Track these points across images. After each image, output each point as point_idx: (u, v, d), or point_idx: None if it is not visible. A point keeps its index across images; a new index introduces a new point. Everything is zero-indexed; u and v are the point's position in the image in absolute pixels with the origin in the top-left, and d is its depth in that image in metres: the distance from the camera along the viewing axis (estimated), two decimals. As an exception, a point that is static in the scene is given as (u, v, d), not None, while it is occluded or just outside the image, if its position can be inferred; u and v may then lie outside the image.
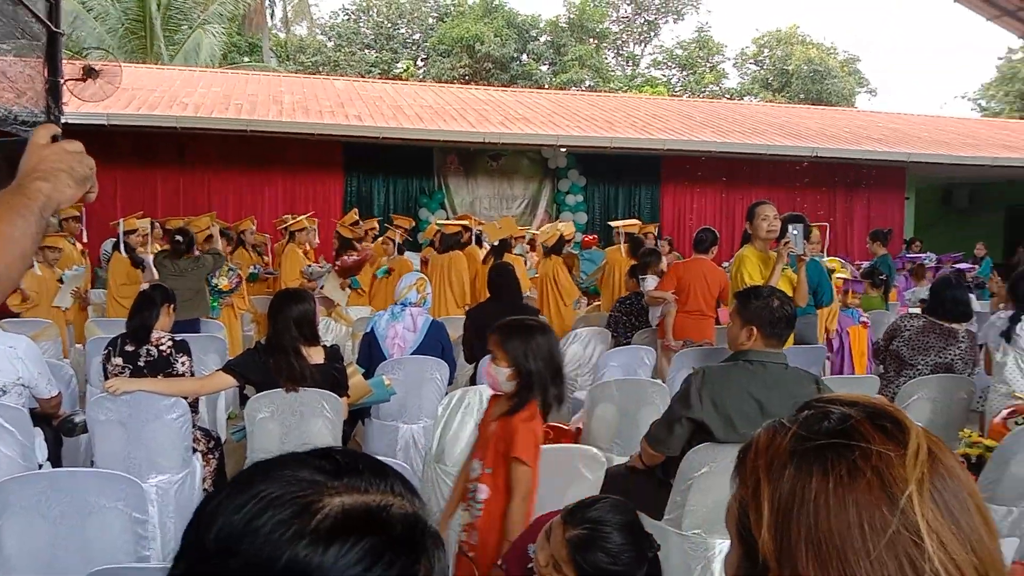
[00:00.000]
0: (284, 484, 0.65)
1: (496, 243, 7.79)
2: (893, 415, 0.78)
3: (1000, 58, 30.44)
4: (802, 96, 29.59)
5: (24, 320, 6.40)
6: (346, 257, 7.42)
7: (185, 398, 3.72)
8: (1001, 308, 5.10)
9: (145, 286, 4.81)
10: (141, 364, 3.90)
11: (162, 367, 3.92)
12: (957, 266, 11.12)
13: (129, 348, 3.94)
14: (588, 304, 9.37)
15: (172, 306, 4.11)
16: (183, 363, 3.96)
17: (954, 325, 4.51)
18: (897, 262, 11.72)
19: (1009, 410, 3.72)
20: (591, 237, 11.78)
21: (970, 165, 14.66)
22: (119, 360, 3.92)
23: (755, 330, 3.02)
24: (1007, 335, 3.75)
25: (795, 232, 4.62)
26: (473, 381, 5.02)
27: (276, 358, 3.59)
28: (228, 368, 3.65)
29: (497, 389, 2.65)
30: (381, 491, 0.67)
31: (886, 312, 7.35)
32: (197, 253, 6.55)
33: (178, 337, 4.08)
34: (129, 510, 2.53)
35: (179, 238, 6.42)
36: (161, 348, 3.94)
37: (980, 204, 17.62)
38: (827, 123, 16.85)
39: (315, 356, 3.69)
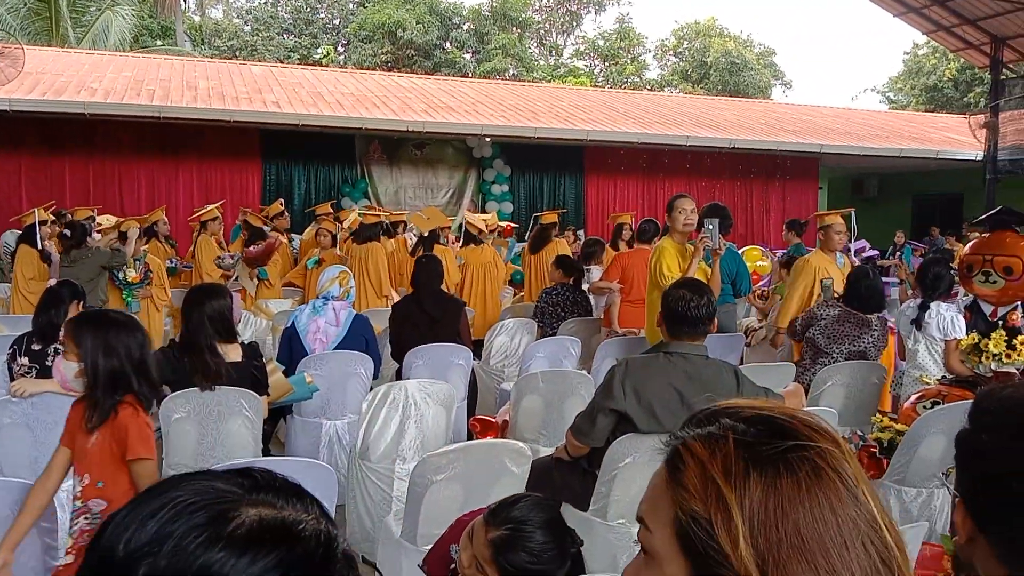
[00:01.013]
0: (199, 493, 0.64)
1: (425, 234, 7.71)
2: (805, 415, 0.80)
3: (906, 52, 31.68)
4: (720, 88, 30.23)
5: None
6: (252, 247, 7.24)
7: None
8: (910, 296, 5.30)
9: (52, 282, 4.58)
10: (49, 363, 3.72)
11: (69, 367, 3.73)
12: (866, 254, 11.52)
13: (36, 347, 3.75)
14: (514, 295, 9.40)
15: (80, 302, 3.93)
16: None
17: (868, 315, 4.66)
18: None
19: (918, 395, 3.87)
20: (510, 225, 11.83)
21: (879, 156, 15.25)
22: (25, 360, 3.73)
23: (666, 327, 3.07)
24: (917, 323, 3.91)
25: (711, 227, 4.72)
26: (399, 376, 4.97)
27: (191, 356, 3.46)
28: (140, 367, 3.50)
29: (66, 387, 2.53)
30: (297, 509, 0.66)
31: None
32: (90, 244, 6.32)
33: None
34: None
35: (67, 232, 6.21)
36: (68, 347, 3.76)
37: (889, 193, 18.35)
38: (744, 115, 17.27)
39: (232, 353, 3.57)
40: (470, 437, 4.39)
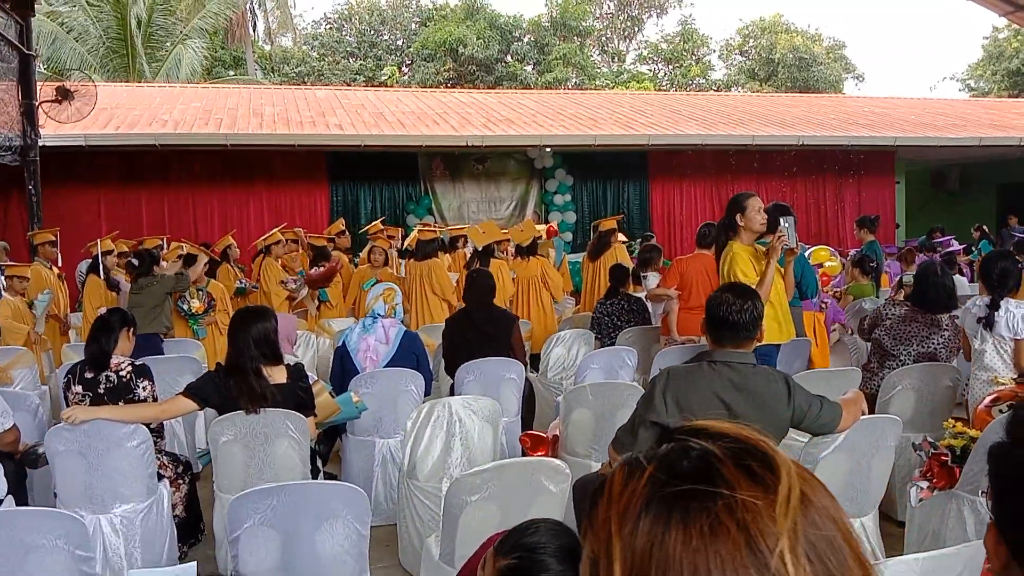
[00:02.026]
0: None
1: (480, 248, 7.70)
2: (762, 451, 0.67)
3: (985, 37, 30.35)
4: (789, 84, 29.50)
5: (-2, 349, 6.31)
6: (313, 270, 7.33)
7: (147, 424, 3.63)
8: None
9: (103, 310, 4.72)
10: (101, 391, 3.81)
11: (123, 393, 3.83)
12: (949, 249, 11.02)
13: (88, 375, 3.85)
14: (576, 304, 9.30)
15: (131, 330, 4.02)
16: (144, 388, 3.87)
17: (938, 314, 4.40)
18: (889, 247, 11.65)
19: (992, 397, 3.63)
20: (552, 227, 11.75)
21: (959, 146, 14.57)
22: (79, 388, 3.83)
23: (709, 333, 2.94)
24: (987, 322, 3.66)
25: (787, 225, 4.42)
26: (452, 392, 4.94)
27: (236, 379, 3.49)
28: (188, 391, 3.56)
29: None
30: None
31: (877, 300, 7.25)
32: (157, 272, 6.53)
33: (138, 361, 3.99)
34: (71, 547, 2.44)
35: (134, 261, 6.43)
36: (121, 374, 3.85)
37: (971, 185, 17.55)
38: (813, 111, 16.76)
39: (277, 375, 3.59)
40: (524, 453, 4.32)
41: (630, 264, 7.69)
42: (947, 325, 4.40)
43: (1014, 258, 3.67)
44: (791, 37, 31.18)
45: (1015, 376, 3.61)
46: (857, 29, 68.07)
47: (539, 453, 4.04)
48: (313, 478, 3.81)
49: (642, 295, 7.03)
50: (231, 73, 26.94)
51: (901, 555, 2.77)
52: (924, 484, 3.47)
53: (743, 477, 0.64)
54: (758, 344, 4.33)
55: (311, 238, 8.95)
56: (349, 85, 24.11)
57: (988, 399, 3.53)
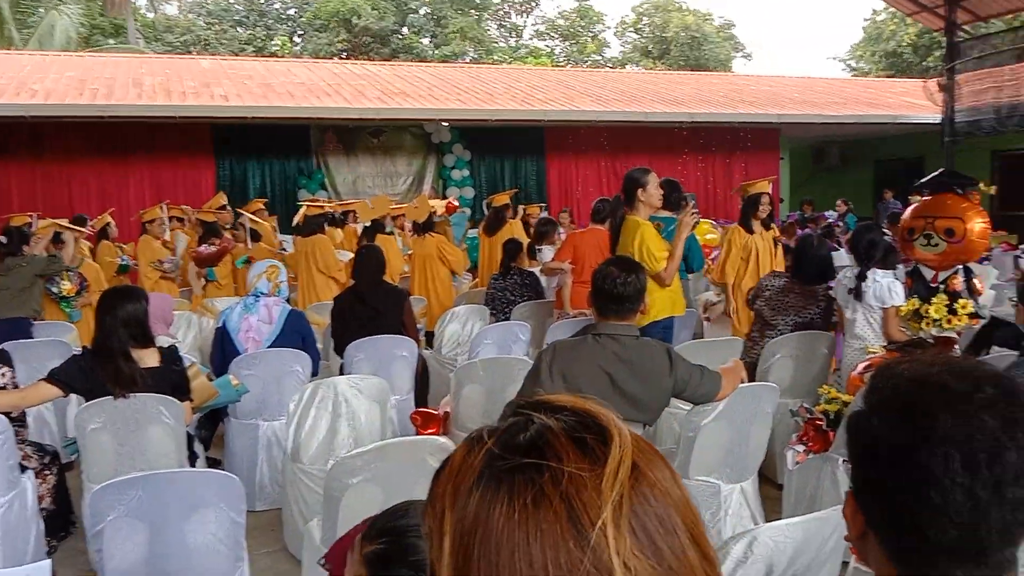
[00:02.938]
0: None
1: (369, 224, 7.53)
2: (600, 424, 0.65)
3: (866, 20, 31.79)
4: (682, 63, 30.13)
5: None
6: (202, 247, 7.03)
7: (6, 413, 3.38)
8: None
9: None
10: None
11: (-22, 381, 3.55)
12: (829, 222, 11.50)
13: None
14: (472, 280, 9.26)
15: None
16: (3, 375, 3.61)
17: (814, 285, 4.59)
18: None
19: (864, 364, 3.78)
20: (453, 202, 11.68)
21: (839, 124, 15.22)
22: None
23: (594, 306, 2.95)
24: (856, 293, 3.82)
25: (693, 201, 4.51)
26: (341, 372, 4.82)
27: (103, 363, 3.29)
28: (51, 377, 3.33)
29: None
30: None
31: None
32: (26, 252, 6.11)
33: (-4, 347, 3.71)
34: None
35: (3, 240, 5.99)
36: (-25, 360, 3.57)
37: (850, 161, 18.37)
38: (703, 89, 17.17)
39: (148, 359, 3.40)
40: (416, 432, 4.26)
41: (526, 240, 7.69)
42: (823, 295, 4.58)
43: (880, 230, 3.84)
44: (683, 16, 31.82)
45: (884, 344, 3.78)
46: (746, 9, 70.16)
47: (430, 431, 3.99)
48: (191, 465, 3.65)
49: (537, 270, 7.04)
50: (111, 42, 25.45)
51: (780, 518, 2.86)
52: (800, 448, 3.61)
53: (574, 450, 0.62)
54: (658, 318, 4.45)
55: (200, 214, 8.54)
56: (237, 55, 23.18)
57: (861, 366, 3.68)
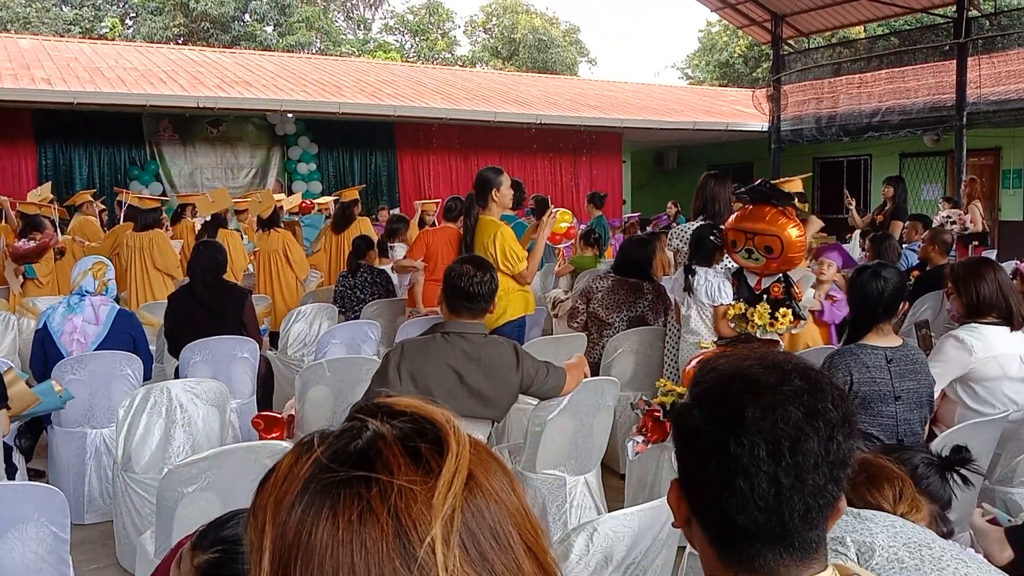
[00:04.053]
0: None
1: (208, 218, 7.18)
2: (437, 431, 0.63)
3: (701, 30, 33.47)
4: (530, 65, 30.67)
5: None
6: (20, 242, 6.47)
7: None
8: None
9: None
10: None
11: None
12: (664, 224, 12.04)
13: None
14: (319, 278, 9.04)
15: None
16: None
17: (640, 280, 4.90)
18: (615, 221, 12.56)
19: (698, 359, 3.99)
20: (307, 202, 11.38)
21: (675, 129, 16.01)
22: None
23: (446, 303, 2.96)
24: (687, 288, 4.04)
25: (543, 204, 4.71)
26: (177, 374, 4.58)
27: (-100, 371, 2.98)
28: None
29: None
30: None
31: (599, 271, 7.75)
32: None
33: None
34: None
35: None
36: None
37: (687, 165, 19.35)
38: (550, 91, 17.58)
39: (-45, 364, 3.11)
40: (260, 437, 4.12)
41: (375, 236, 7.59)
42: (649, 290, 4.94)
43: (710, 229, 4.06)
44: (531, 18, 32.41)
45: (716, 340, 4.02)
46: (591, 15, 72.39)
47: (273, 435, 3.85)
48: (10, 478, 3.37)
49: (388, 267, 6.97)
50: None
51: (623, 507, 2.97)
52: (640, 439, 3.76)
53: (406, 461, 0.60)
54: (513, 318, 4.53)
55: (22, 205, 7.82)
56: (62, 36, 21.48)
57: (694, 361, 3.88)
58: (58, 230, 7.34)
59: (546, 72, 27.40)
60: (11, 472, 3.47)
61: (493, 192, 4.63)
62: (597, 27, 72.53)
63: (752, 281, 3.85)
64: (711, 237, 4.04)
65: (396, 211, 10.91)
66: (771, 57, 16.15)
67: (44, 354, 4.11)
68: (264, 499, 0.62)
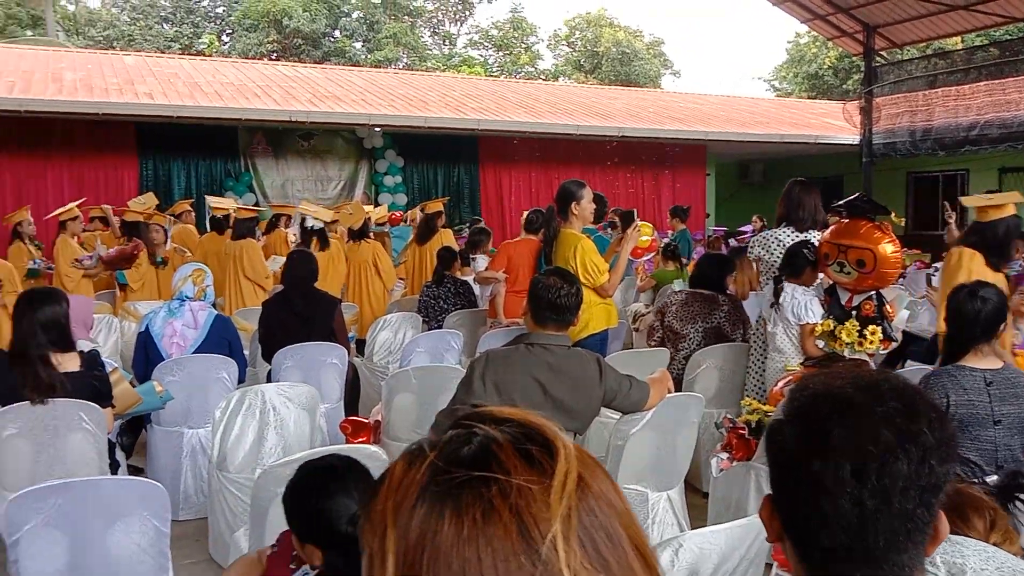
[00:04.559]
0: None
1: (356, 228, 7.47)
2: (543, 436, 0.65)
3: (789, 42, 32.83)
4: (612, 77, 30.64)
5: None
6: (111, 250, 6.80)
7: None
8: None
9: None
10: None
11: None
12: (743, 237, 11.82)
13: None
14: (404, 288, 9.21)
15: None
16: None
17: (715, 292, 4.88)
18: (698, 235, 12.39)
19: (784, 379, 3.92)
20: (398, 214, 11.57)
21: (762, 142, 15.72)
22: None
23: (532, 315, 2.99)
24: (775, 304, 3.97)
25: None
26: (270, 378, 4.74)
27: (20, 367, 3.17)
28: (-38, 382, 3.19)
29: None
30: None
31: (683, 284, 7.66)
32: None
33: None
34: None
35: None
36: None
37: (773, 178, 18.96)
38: (633, 104, 17.50)
39: (68, 363, 3.30)
40: (346, 440, 4.23)
41: (457, 247, 7.71)
42: (724, 301, 4.87)
43: (804, 244, 3.98)
44: (614, 31, 32.38)
45: (802, 360, 3.93)
46: (675, 27, 71.80)
47: (360, 439, 3.95)
48: (113, 472, 3.54)
49: (470, 278, 7.06)
50: (28, 33, 24.48)
51: (705, 525, 2.94)
52: (724, 456, 3.71)
53: (520, 462, 0.62)
54: (595, 331, 4.54)
55: (127, 214, 8.23)
56: (163, 53, 22.57)
57: (781, 382, 3.81)
58: (169, 238, 7.70)
59: (629, 85, 27.31)
60: (114, 468, 3.65)
61: (574, 205, 4.64)
62: (681, 40, 71.88)
63: (844, 298, 3.76)
64: (804, 251, 3.95)
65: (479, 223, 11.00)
66: (862, 69, 15.72)
67: (146, 356, 4.32)
68: (381, 504, 0.64)
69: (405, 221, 11.16)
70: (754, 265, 4.85)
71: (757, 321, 4.49)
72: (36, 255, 8.36)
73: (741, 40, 78.14)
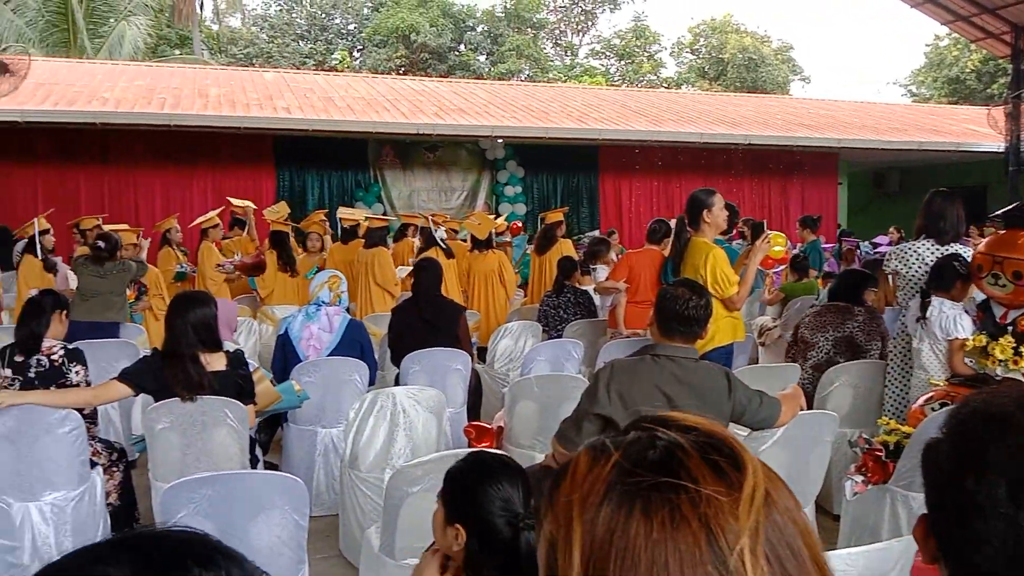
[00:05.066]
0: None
1: (484, 238, 7.68)
2: (729, 447, 0.67)
3: (928, 45, 31.18)
4: (738, 84, 29.94)
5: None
6: (245, 258, 7.18)
7: (79, 410, 3.51)
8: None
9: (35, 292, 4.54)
10: (32, 375, 3.68)
11: (55, 378, 3.70)
12: (879, 249, 11.30)
13: (19, 359, 3.71)
14: (524, 297, 9.30)
15: (64, 312, 3.89)
16: (77, 372, 3.75)
17: (850, 304, 4.72)
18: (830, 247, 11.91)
19: (926, 396, 3.72)
20: (518, 224, 11.70)
21: (899, 149, 14.97)
22: (8, 372, 3.69)
23: (659, 326, 2.95)
24: (921, 318, 3.77)
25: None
26: (398, 382, 4.89)
27: (171, 365, 3.40)
28: (122, 376, 3.45)
29: None
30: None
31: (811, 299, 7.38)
32: (120, 258, 6.29)
33: (71, 346, 3.86)
34: (-6, 538, 2.34)
35: (101, 244, 6.13)
36: (53, 358, 3.72)
37: (911, 187, 18.02)
38: (760, 111, 17.04)
39: (215, 363, 3.50)
40: (468, 444, 4.30)
41: (576, 257, 7.72)
42: (859, 312, 4.68)
43: (954, 257, 3.77)
44: (741, 37, 31.64)
45: (948, 377, 3.71)
46: (804, 32, 69.44)
47: (483, 444, 4.02)
48: (252, 467, 3.74)
49: (590, 288, 7.06)
50: (177, 52, 26.24)
51: (835, 548, 2.82)
52: (859, 478, 3.55)
53: (709, 472, 0.63)
54: (721, 344, 4.46)
55: (273, 224, 8.71)
56: (298, 69, 23.71)
57: (923, 399, 3.62)
58: (325, 247, 8.08)
59: (756, 92, 26.61)
60: (253, 463, 3.85)
61: (705, 213, 4.58)
62: (811, 44, 69.43)
63: (998, 313, 3.53)
64: (955, 263, 3.75)
65: (596, 233, 11.00)
66: (1009, 72, 14.72)
67: (284, 357, 4.54)
68: (564, 496, 0.66)
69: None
70: (890, 279, 4.63)
71: (895, 337, 4.28)
72: (182, 260, 8.95)
73: (876, 44, 74.76)
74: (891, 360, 4.30)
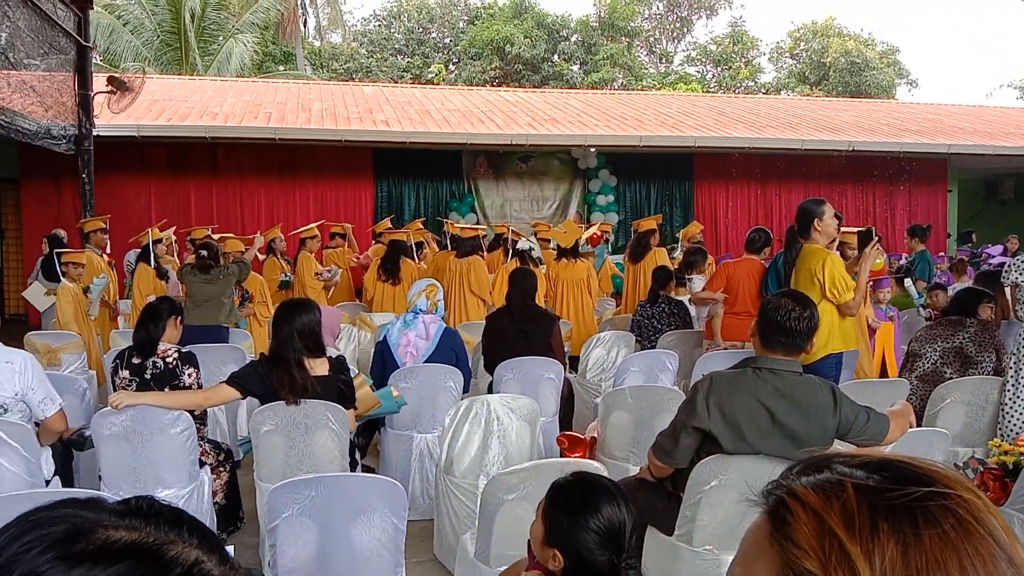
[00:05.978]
0: (61, 513, 0.64)
1: (570, 247, 7.74)
2: (927, 460, 0.68)
3: (1047, 44, 29.47)
4: (840, 89, 28.98)
5: (50, 332, 6.48)
6: (363, 260, 7.39)
7: (190, 411, 3.68)
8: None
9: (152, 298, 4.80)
10: (148, 377, 3.88)
11: (168, 379, 3.89)
12: (993, 260, 10.70)
13: (136, 361, 3.92)
14: (616, 306, 9.23)
15: (179, 318, 4.09)
16: (189, 375, 3.93)
17: (961, 316, 4.59)
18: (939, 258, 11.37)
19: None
20: (598, 234, 11.63)
21: (1014, 155, 14.20)
22: (126, 373, 3.90)
23: (760, 337, 2.88)
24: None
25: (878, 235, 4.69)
26: (491, 389, 4.94)
27: (277, 370, 3.53)
28: (231, 380, 3.60)
29: None
30: (166, 535, 0.64)
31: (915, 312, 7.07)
32: (223, 263, 6.61)
33: (185, 349, 4.05)
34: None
35: (204, 252, 6.46)
36: (167, 360, 3.92)
37: (1026, 195, 17.07)
38: (864, 116, 16.45)
39: (319, 368, 3.62)
40: (561, 454, 4.30)
41: (670, 266, 7.62)
42: (971, 324, 4.53)
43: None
44: (843, 41, 30.63)
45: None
46: (911, 34, 66.67)
47: (576, 454, 4.02)
48: (351, 470, 3.84)
49: (685, 298, 6.95)
50: (281, 68, 27.28)
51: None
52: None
53: (948, 479, 0.65)
54: (832, 352, 4.37)
55: (391, 233, 8.96)
56: (396, 82, 24.28)
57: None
58: (419, 257, 8.31)
59: (859, 96, 25.70)
60: (352, 466, 3.95)
61: (816, 222, 4.60)
62: (918, 47, 66.58)
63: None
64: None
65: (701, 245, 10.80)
66: None
67: (383, 363, 4.65)
68: (820, 531, 0.64)
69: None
70: (1007, 291, 4.41)
71: (1015, 352, 4.05)
72: (286, 269, 9.28)
73: (988, 46, 71.10)
74: (1010, 377, 4.08)
